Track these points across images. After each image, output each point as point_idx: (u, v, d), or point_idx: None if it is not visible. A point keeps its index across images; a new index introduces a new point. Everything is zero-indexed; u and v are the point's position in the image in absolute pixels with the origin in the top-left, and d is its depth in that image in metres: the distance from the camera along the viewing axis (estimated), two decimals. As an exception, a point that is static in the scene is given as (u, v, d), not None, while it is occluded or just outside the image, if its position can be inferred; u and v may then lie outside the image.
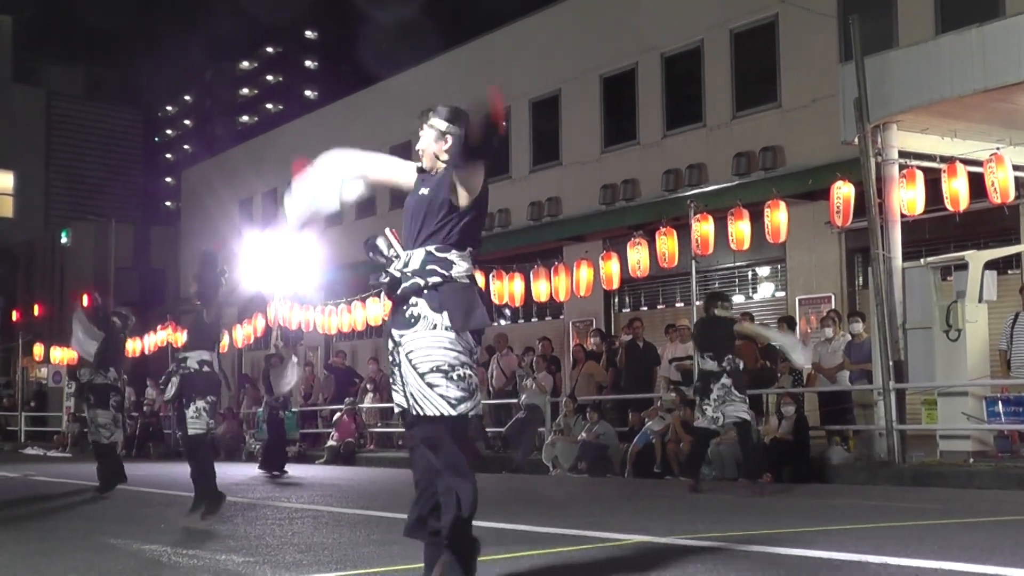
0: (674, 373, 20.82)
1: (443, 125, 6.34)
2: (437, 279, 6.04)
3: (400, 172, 6.63)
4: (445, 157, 6.28)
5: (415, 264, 6.08)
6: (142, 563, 8.30)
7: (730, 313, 16.13)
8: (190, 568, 7.97)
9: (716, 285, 25.60)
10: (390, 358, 6.26)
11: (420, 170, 6.43)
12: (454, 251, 6.12)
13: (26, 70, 70.83)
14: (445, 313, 6.01)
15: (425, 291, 6.05)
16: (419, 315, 6.04)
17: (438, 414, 5.95)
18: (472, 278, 6.20)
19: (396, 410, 6.40)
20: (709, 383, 15.17)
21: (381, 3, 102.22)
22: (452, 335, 6.02)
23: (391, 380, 6.27)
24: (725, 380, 15.08)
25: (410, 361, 6.02)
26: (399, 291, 6.10)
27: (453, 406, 5.96)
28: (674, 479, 17.50)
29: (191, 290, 11.86)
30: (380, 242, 6.22)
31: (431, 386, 5.96)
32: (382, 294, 6.42)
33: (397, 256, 6.17)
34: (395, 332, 6.14)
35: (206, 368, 11.57)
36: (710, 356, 15.21)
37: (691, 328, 18.97)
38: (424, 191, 6.23)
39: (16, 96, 62.17)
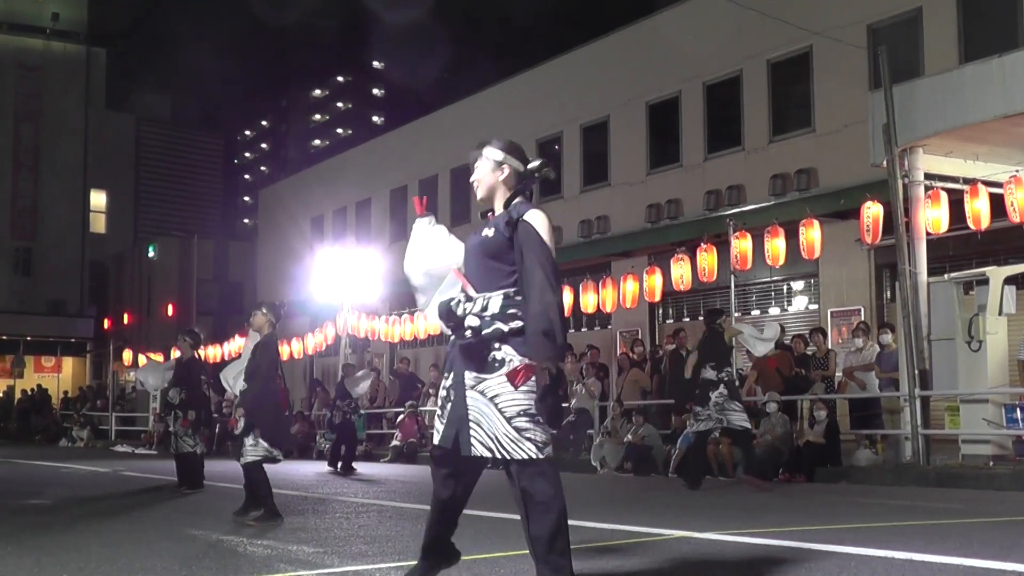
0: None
1: (499, 155, 5.86)
2: (518, 323, 5.54)
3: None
4: (503, 190, 5.86)
5: (494, 308, 5.59)
6: (220, 552, 8.37)
7: (725, 327, 16.28)
8: (264, 557, 8.02)
9: (753, 298, 25.58)
10: (447, 394, 5.78)
11: (482, 215, 6.00)
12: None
13: (118, 98, 71.44)
14: (527, 359, 5.50)
15: (510, 337, 5.56)
16: (504, 359, 5.55)
17: (527, 458, 5.51)
18: None
19: (435, 440, 5.83)
20: (708, 391, 15.56)
21: (442, 37, 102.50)
22: (534, 382, 5.54)
23: (439, 415, 5.81)
24: (722, 389, 15.36)
25: (496, 406, 5.54)
26: (482, 335, 5.57)
27: (540, 449, 5.52)
28: (713, 478, 17.45)
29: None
30: (456, 308, 5.70)
31: (519, 431, 5.51)
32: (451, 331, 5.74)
33: (471, 299, 5.70)
34: (470, 374, 5.62)
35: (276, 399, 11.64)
36: (712, 367, 15.60)
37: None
38: (488, 232, 5.76)
39: (109, 122, 62.66)
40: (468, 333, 5.63)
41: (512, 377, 5.49)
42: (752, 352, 18.36)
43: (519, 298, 5.60)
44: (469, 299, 5.72)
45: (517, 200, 5.83)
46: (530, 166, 5.90)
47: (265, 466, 11.22)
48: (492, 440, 5.57)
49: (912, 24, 22.20)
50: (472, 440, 5.61)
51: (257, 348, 11.58)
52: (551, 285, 5.48)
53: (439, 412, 5.86)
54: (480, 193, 5.96)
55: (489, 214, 5.95)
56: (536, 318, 5.45)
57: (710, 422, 15.67)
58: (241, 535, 9.51)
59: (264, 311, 11.69)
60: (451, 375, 5.78)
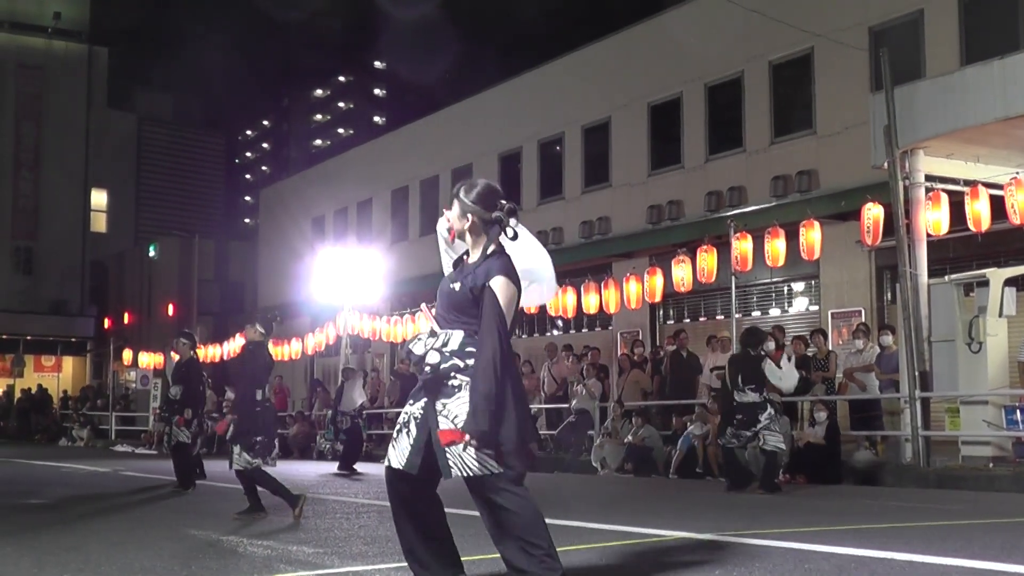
0: (715, 381, 20.77)
1: (466, 205, 5.97)
2: (472, 361, 5.71)
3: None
4: (472, 236, 6.00)
5: (454, 344, 5.80)
6: (220, 552, 8.38)
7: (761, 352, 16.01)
8: (264, 557, 8.03)
9: (754, 300, 25.56)
10: (407, 419, 5.95)
11: (455, 263, 6.17)
12: None
13: (120, 97, 71.35)
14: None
15: (465, 370, 5.75)
16: (460, 384, 5.74)
17: (486, 473, 5.66)
18: None
19: (394, 464, 6.00)
20: (757, 414, 15.21)
21: (443, 38, 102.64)
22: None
23: (394, 441, 6.00)
24: (771, 410, 15.18)
25: (456, 426, 5.68)
26: (440, 369, 5.78)
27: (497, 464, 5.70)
28: (714, 480, 17.46)
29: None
30: (415, 347, 5.90)
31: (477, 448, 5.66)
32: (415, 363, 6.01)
33: (435, 335, 5.88)
34: (438, 402, 5.79)
35: (256, 408, 11.82)
36: (751, 389, 15.24)
37: (731, 343, 19.01)
38: (456, 286, 5.92)
39: (110, 121, 62.61)
40: (428, 369, 5.84)
41: (442, 436, 5.70)
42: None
43: (476, 336, 5.77)
44: (433, 334, 5.90)
45: (492, 251, 5.93)
46: (494, 214, 5.96)
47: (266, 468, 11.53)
48: (459, 458, 5.69)
49: (913, 26, 22.19)
50: (450, 463, 5.73)
51: (244, 354, 11.88)
52: (495, 368, 5.61)
53: (396, 437, 6.00)
54: (455, 235, 6.12)
55: (465, 256, 6.10)
56: (476, 393, 5.62)
57: (743, 440, 15.54)
58: (241, 535, 9.52)
59: (256, 325, 12.12)
60: (418, 403, 5.94)
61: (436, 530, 6.10)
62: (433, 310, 6.06)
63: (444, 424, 5.74)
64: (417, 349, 5.89)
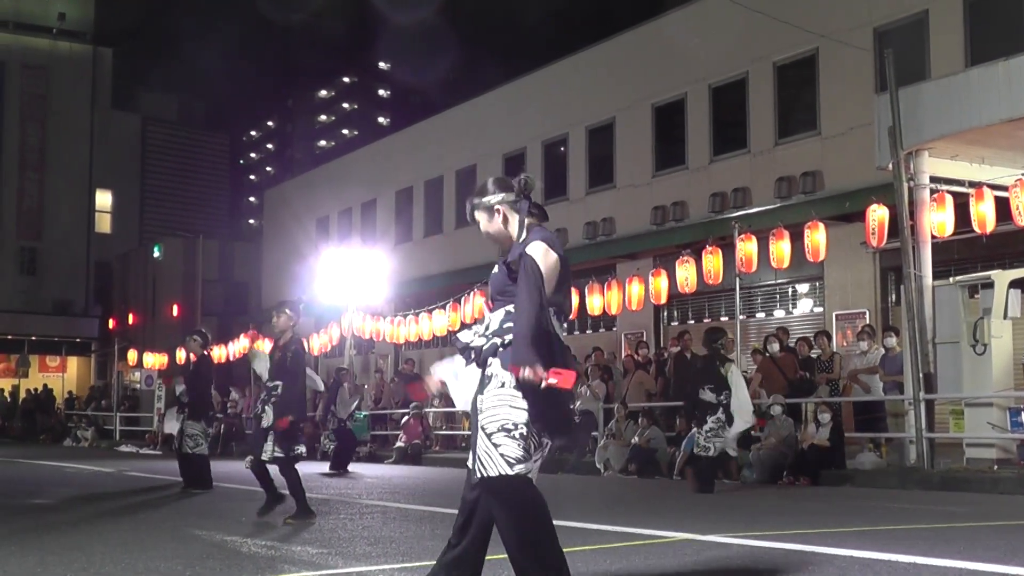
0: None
1: (487, 200, 5.85)
2: (511, 336, 5.49)
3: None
4: (510, 227, 5.83)
5: (495, 324, 5.62)
6: (225, 553, 8.38)
7: (727, 351, 15.93)
8: (268, 558, 8.03)
9: (758, 301, 25.56)
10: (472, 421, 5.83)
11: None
12: None
13: (124, 98, 71.30)
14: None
15: (501, 349, 5.55)
16: (491, 375, 5.56)
17: (497, 474, 5.44)
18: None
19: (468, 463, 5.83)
20: (706, 414, 15.29)
21: (448, 39, 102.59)
22: (519, 393, 5.46)
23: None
24: (720, 415, 15.13)
25: (480, 422, 5.55)
26: (482, 352, 5.62)
27: (511, 465, 5.43)
28: (718, 481, 17.44)
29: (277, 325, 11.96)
30: (463, 334, 5.81)
31: (496, 446, 5.46)
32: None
33: (481, 322, 5.77)
34: (479, 396, 5.63)
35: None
36: (710, 388, 15.25)
37: (735, 345, 18.96)
38: (495, 270, 5.75)
39: (115, 122, 62.69)
40: (472, 355, 5.71)
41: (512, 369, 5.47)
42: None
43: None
44: (480, 322, 5.79)
45: (528, 226, 5.79)
46: (517, 186, 5.83)
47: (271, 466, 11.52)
48: (483, 456, 5.54)
49: (918, 27, 22.19)
50: (475, 458, 5.62)
51: (286, 350, 11.70)
52: (527, 308, 5.41)
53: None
54: (500, 244, 5.96)
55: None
56: (514, 336, 5.45)
57: (703, 451, 15.45)
58: (245, 536, 9.52)
59: (288, 311, 11.86)
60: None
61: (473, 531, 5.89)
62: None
63: (480, 419, 5.58)
64: (464, 337, 5.78)
